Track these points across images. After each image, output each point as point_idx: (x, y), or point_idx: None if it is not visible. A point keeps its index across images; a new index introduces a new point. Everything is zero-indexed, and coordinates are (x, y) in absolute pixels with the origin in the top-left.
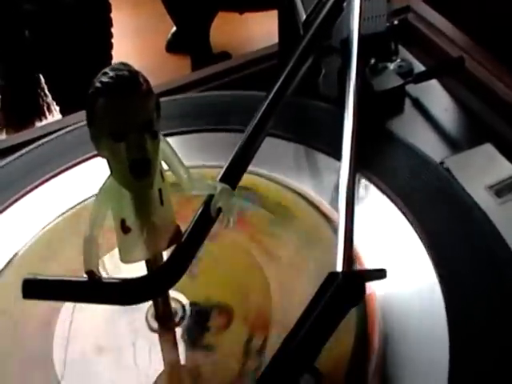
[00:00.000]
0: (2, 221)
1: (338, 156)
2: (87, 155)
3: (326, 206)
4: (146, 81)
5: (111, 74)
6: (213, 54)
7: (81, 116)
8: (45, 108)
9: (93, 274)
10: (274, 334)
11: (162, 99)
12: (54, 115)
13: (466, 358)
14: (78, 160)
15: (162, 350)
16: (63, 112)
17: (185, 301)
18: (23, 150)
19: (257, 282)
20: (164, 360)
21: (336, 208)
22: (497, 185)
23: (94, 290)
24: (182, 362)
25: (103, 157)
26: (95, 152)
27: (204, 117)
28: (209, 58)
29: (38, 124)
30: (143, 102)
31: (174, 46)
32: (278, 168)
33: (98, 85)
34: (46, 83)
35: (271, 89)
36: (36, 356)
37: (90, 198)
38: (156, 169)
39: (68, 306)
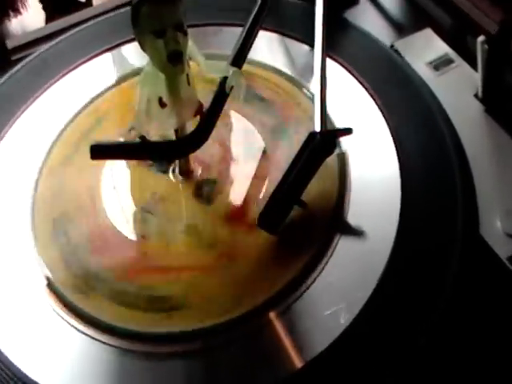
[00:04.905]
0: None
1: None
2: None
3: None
4: None
5: None
6: None
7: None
8: (19, 3)
9: (143, 138)
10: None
11: None
12: (29, 11)
13: (415, 196)
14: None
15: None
16: (45, 8)
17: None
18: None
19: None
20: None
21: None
22: (435, 61)
23: (145, 149)
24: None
25: (145, 51)
26: None
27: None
28: None
29: (13, 19)
30: (176, 7)
31: None
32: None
33: None
34: None
35: None
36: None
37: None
38: (185, 58)
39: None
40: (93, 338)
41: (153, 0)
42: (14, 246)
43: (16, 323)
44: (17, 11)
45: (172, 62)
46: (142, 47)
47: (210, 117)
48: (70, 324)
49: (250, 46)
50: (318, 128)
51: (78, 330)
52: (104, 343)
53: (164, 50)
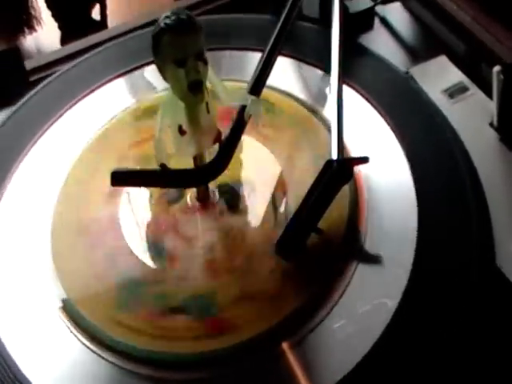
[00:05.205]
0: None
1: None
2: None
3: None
4: (198, 22)
5: (173, 17)
6: None
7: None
8: (34, 21)
9: (164, 166)
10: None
11: None
12: (44, 29)
13: (430, 225)
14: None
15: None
16: (60, 27)
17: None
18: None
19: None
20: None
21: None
22: (450, 89)
23: (166, 177)
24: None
25: (166, 79)
26: None
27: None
28: None
29: (28, 37)
30: (197, 37)
31: None
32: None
33: (163, 25)
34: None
35: (281, 14)
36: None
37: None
38: (205, 87)
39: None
40: (106, 360)
41: (175, 30)
42: (32, 265)
43: (31, 339)
44: (32, 28)
45: (192, 91)
46: (163, 75)
47: (229, 145)
48: (81, 342)
49: (269, 74)
50: (334, 156)
51: (92, 350)
52: (116, 365)
53: (185, 79)
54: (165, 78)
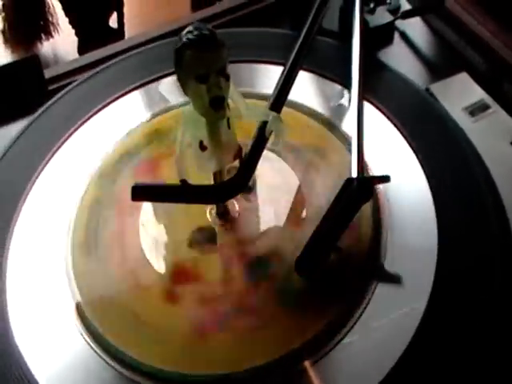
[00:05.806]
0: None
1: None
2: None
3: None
4: (221, 37)
5: (196, 32)
6: None
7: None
8: (51, 27)
9: (184, 181)
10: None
11: None
12: (60, 35)
13: (451, 244)
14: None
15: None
16: (78, 33)
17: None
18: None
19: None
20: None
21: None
22: (470, 106)
23: (186, 192)
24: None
25: (187, 94)
26: None
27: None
28: None
29: (45, 43)
30: (219, 53)
31: None
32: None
33: (185, 40)
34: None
35: (302, 28)
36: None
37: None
38: (227, 103)
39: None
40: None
41: (197, 46)
42: (48, 273)
43: (47, 348)
44: (49, 35)
45: (214, 107)
46: (184, 90)
47: (250, 162)
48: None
49: (289, 90)
50: (354, 174)
51: (106, 362)
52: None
53: (206, 95)
54: (186, 93)
